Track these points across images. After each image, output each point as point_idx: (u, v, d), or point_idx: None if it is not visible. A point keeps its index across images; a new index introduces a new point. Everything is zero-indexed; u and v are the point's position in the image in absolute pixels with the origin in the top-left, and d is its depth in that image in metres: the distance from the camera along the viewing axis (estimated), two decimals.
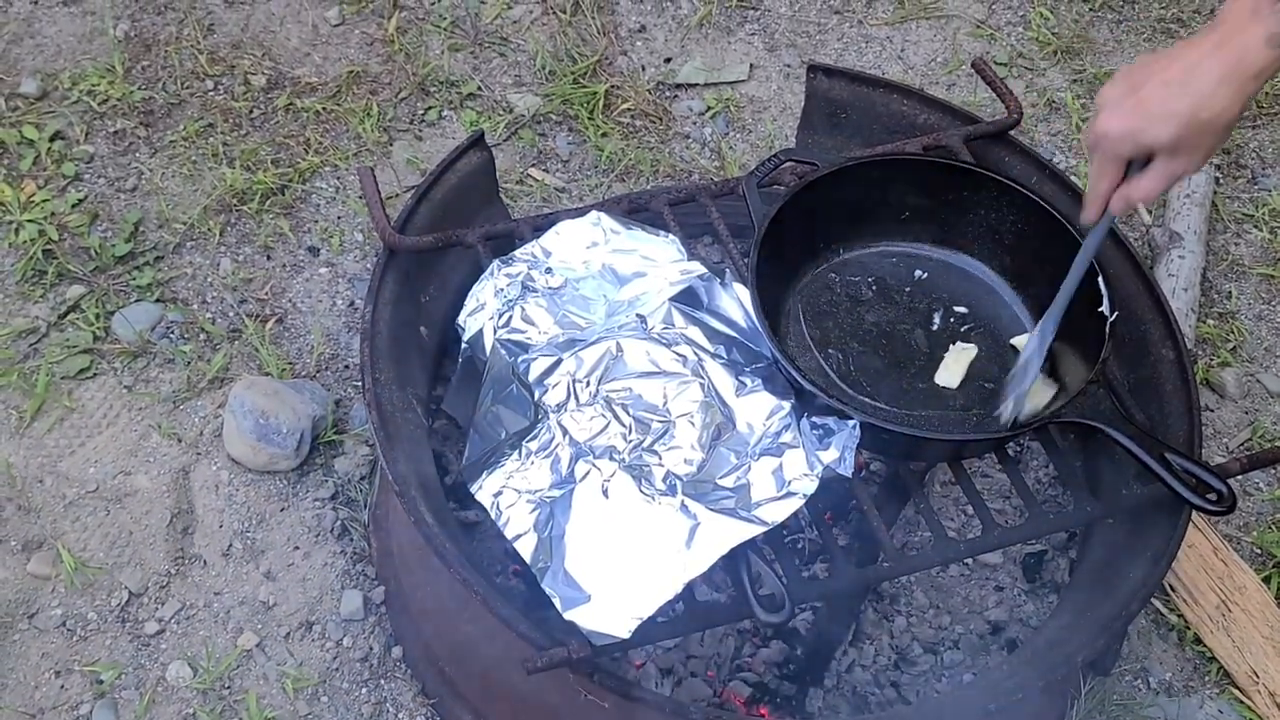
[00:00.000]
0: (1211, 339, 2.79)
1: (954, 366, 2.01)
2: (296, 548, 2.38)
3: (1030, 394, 1.90)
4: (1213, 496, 1.76)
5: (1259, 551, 2.50)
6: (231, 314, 2.69)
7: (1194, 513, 1.85)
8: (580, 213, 2.10)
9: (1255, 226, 3.01)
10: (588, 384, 1.84)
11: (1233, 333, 2.82)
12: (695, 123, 3.12)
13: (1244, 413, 2.70)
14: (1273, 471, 2.60)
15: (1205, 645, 2.36)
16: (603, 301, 2.00)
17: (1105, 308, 1.88)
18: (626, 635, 1.63)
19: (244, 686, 2.23)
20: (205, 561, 2.36)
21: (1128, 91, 1.59)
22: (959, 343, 2.04)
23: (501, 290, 2.00)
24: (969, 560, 2.39)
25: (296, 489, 2.44)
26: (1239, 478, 2.57)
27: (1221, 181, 3.08)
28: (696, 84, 3.19)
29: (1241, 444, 2.64)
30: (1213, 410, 2.69)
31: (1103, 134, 1.61)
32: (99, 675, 2.23)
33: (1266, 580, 2.43)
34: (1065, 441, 2.39)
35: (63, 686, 2.22)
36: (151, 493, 2.43)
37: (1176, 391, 2.08)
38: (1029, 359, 1.90)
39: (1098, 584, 2.03)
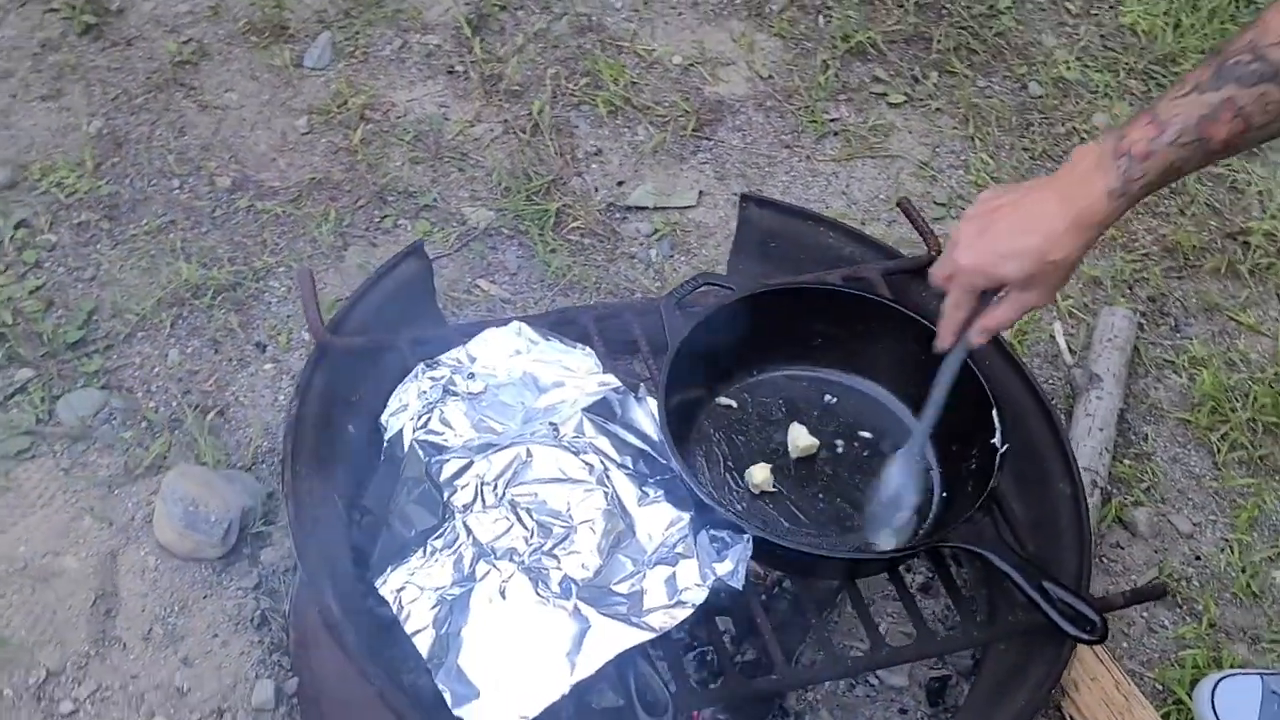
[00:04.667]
0: (1126, 479, 2.88)
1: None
2: (215, 635, 2.41)
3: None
4: (1088, 627, 1.82)
5: (1161, 688, 2.55)
6: (175, 403, 2.75)
7: (1098, 647, 1.90)
8: (504, 321, 2.19)
9: (1175, 372, 3.11)
10: (495, 487, 1.91)
11: (1147, 473, 2.90)
12: (642, 244, 3.23)
13: (1154, 551, 2.77)
14: (1177, 609, 2.67)
15: None
16: (520, 408, 2.08)
17: (997, 439, 1.97)
18: None
19: None
20: (125, 644, 2.40)
21: (979, 231, 1.73)
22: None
23: (424, 392, 2.08)
24: (874, 682, 2.44)
25: (221, 577, 2.49)
26: (1145, 615, 2.65)
27: (1145, 327, 3.19)
28: (646, 207, 3.31)
29: (1149, 581, 2.70)
30: (1124, 548, 2.76)
31: (957, 268, 1.76)
32: None
33: (1166, 717, 2.48)
34: (972, 570, 2.47)
35: None
36: (78, 574, 2.47)
37: (1071, 526, 2.15)
38: (899, 490, 2.00)
39: (986, 708, 2.08)
